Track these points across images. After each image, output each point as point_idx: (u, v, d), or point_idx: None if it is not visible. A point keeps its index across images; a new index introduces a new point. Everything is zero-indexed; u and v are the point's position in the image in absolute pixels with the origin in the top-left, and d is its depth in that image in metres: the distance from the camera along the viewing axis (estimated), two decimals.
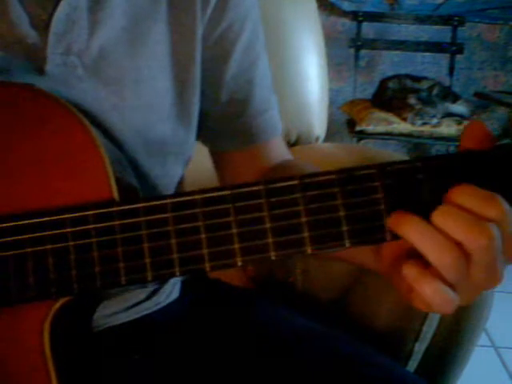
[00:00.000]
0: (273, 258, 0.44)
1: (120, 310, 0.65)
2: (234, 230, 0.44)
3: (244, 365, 0.62)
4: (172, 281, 0.71)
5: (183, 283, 0.74)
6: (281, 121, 0.74)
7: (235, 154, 0.72)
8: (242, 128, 0.70)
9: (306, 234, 0.43)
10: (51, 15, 0.56)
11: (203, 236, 0.44)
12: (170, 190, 0.68)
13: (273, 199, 0.44)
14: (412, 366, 0.81)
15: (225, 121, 0.70)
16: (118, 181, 0.50)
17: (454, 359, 0.83)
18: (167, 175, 0.67)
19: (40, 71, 0.56)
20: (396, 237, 0.43)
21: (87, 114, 0.56)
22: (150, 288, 0.69)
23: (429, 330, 0.79)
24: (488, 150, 0.42)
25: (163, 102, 0.63)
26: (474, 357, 0.86)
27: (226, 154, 0.73)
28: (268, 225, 0.44)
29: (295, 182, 0.44)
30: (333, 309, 0.85)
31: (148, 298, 0.68)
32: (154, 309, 0.68)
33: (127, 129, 0.60)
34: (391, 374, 0.61)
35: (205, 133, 0.70)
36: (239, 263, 0.44)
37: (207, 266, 0.45)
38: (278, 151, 0.73)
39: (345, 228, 0.43)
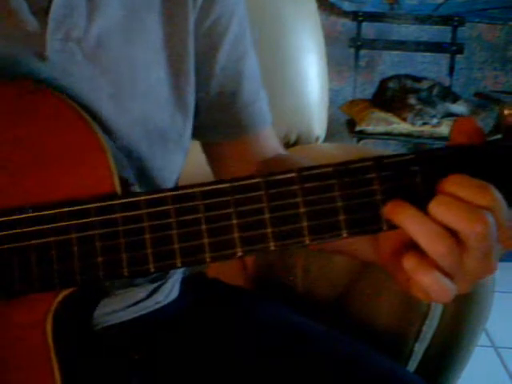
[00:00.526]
0: (272, 248, 0.45)
1: (120, 308, 0.65)
2: (234, 221, 0.45)
3: (244, 364, 0.62)
4: (172, 280, 0.71)
5: (183, 283, 0.74)
6: (270, 114, 0.75)
7: (227, 146, 0.73)
8: (231, 119, 0.71)
9: (304, 224, 0.44)
10: (50, 2, 0.57)
11: (204, 227, 0.45)
12: (171, 184, 0.68)
13: (272, 191, 0.45)
14: (412, 366, 0.81)
15: (215, 112, 0.71)
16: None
17: (454, 359, 0.83)
18: (168, 166, 0.67)
19: (40, 58, 0.57)
20: (392, 227, 0.43)
21: (85, 104, 0.57)
22: (151, 287, 0.69)
23: (429, 330, 0.79)
24: (480, 145, 0.43)
25: (159, 91, 0.64)
26: (474, 357, 0.86)
27: (217, 146, 0.74)
28: (267, 215, 0.45)
29: (294, 175, 0.45)
30: (333, 309, 0.85)
31: (148, 296, 0.68)
32: (154, 308, 0.68)
33: (125, 119, 0.61)
34: (391, 374, 0.61)
35: (196, 125, 0.70)
36: (239, 254, 0.45)
37: (207, 256, 0.45)
38: (270, 144, 0.74)
39: (342, 218, 0.44)
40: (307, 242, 0.44)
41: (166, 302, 0.70)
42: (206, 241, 0.45)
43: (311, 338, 0.66)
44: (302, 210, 0.44)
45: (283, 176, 0.45)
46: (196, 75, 0.67)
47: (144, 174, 0.63)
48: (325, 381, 0.60)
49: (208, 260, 0.45)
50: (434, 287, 0.42)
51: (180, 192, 0.46)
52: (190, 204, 0.45)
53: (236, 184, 0.45)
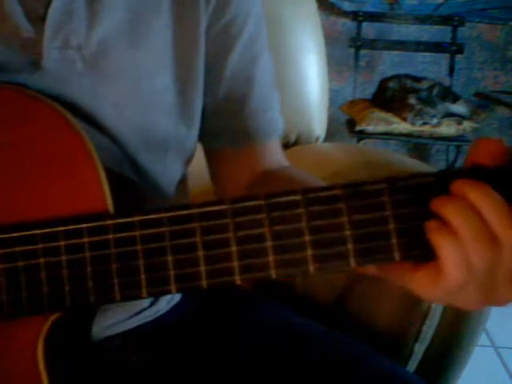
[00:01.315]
0: (273, 276, 0.42)
1: (122, 319, 0.65)
2: (233, 248, 0.42)
3: (244, 365, 0.62)
4: None
5: None
6: (282, 122, 0.72)
7: (230, 153, 0.70)
8: (239, 127, 0.68)
9: (308, 253, 0.42)
10: (47, 8, 0.54)
11: (201, 253, 0.43)
12: (172, 190, 0.67)
13: (274, 214, 0.42)
14: (412, 366, 0.80)
15: (222, 118, 0.68)
16: (119, 179, 0.49)
17: (454, 359, 0.83)
18: (168, 173, 0.65)
19: (36, 66, 0.54)
20: (405, 257, 0.41)
21: (85, 112, 0.55)
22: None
23: (429, 330, 0.79)
24: (504, 165, 0.40)
25: (164, 100, 0.61)
26: (474, 357, 0.86)
27: (220, 152, 0.71)
28: (269, 243, 0.42)
29: (298, 197, 0.42)
30: (333, 309, 0.85)
31: (150, 305, 0.67)
32: (156, 316, 0.68)
33: (126, 126, 0.59)
34: (391, 374, 0.61)
35: (201, 129, 0.68)
36: (238, 282, 0.43)
37: (204, 283, 0.43)
38: (275, 155, 0.72)
39: (350, 246, 0.41)
40: (311, 270, 0.42)
41: (167, 309, 0.70)
42: (202, 268, 0.43)
43: (311, 338, 0.66)
44: (306, 237, 0.41)
45: (287, 198, 0.42)
46: (204, 78, 0.64)
47: (146, 179, 0.62)
48: (325, 381, 0.60)
49: (205, 286, 0.43)
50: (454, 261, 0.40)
51: (176, 213, 0.43)
52: (187, 226, 0.43)
53: (236, 206, 0.42)
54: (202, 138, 0.69)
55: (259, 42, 0.68)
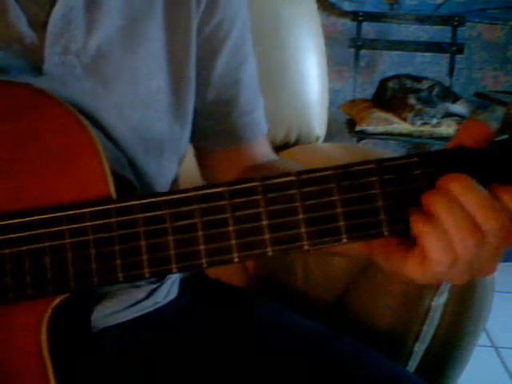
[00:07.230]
0: (269, 254, 0.44)
1: (120, 309, 0.65)
2: (231, 227, 0.44)
3: (243, 364, 0.62)
4: (170, 280, 0.71)
5: (182, 282, 0.74)
6: (266, 122, 0.74)
7: (219, 153, 0.72)
8: (227, 129, 0.70)
9: (302, 230, 0.44)
10: (48, 15, 0.56)
11: (200, 233, 0.45)
12: (166, 189, 0.68)
13: (270, 195, 0.44)
14: (412, 366, 0.80)
15: (210, 120, 0.70)
16: (117, 179, 0.50)
17: (454, 359, 0.83)
18: (163, 173, 0.67)
19: (38, 71, 0.56)
20: (393, 232, 0.43)
21: (85, 113, 0.57)
22: (149, 287, 0.69)
23: (429, 329, 0.79)
24: (487, 146, 0.42)
25: (160, 100, 0.63)
26: (474, 357, 0.86)
27: (209, 152, 0.73)
28: (265, 221, 0.44)
29: (292, 178, 0.44)
30: (333, 309, 0.85)
31: (147, 297, 0.68)
32: (153, 308, 0.68)
33: (125, 127, 0.60)
34: (391, 374, 0.61)
35: (191, 130, 0.70)
36: (236, 259, 0.44)
37: (204, 262, 0.45)
38: (262, 151, 0.74)
39: (342, 223, 0.43)
40: (306, 247, 0.44)
41: (164, 303, 0.70)
42: (202, 247, 0.45)
43: (311, 338, 0.66)
44: (300, 215, 0.44)
45: (281, 180, 0.44)
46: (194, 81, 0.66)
47: (142, 179, 0.64)
48: (325, 380, 0.60)
49: (204, 265, 0.45)
50: (439, 251, 0.42)
51: (176, 196, 0.45)
52: (186, 209, 0.45)
53: (232, 188, 0.44)
54: (191, 138, 0.71)
55: (245, 46, 0.70)
